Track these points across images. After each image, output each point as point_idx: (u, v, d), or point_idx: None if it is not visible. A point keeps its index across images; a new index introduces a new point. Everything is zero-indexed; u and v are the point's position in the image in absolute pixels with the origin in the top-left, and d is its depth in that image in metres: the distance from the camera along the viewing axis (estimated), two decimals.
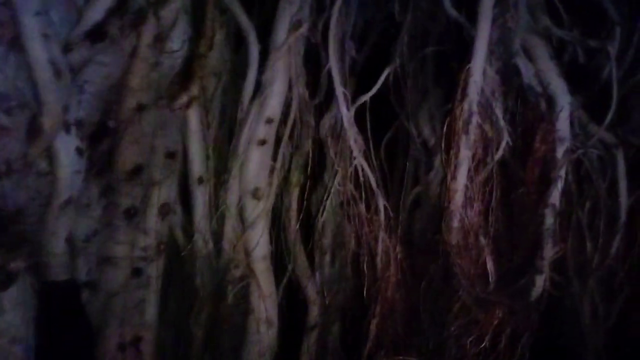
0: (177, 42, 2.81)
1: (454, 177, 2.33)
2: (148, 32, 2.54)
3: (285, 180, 3.26)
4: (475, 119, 2.30)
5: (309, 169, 3.12)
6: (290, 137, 3.12)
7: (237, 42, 3.27)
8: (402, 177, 3.21)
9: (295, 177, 3.24)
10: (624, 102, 2.76)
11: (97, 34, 2.33)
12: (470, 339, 2.39)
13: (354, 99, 2.88)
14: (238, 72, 3.25)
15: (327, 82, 3.20)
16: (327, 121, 3.04)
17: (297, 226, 3.16)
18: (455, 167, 2.33)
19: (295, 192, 3.25)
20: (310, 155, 3.14)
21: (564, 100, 2.32)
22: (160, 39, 2.62)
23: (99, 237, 2.77)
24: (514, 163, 2.42)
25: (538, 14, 2.34)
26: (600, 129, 2.36)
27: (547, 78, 2.35)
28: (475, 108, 2.30)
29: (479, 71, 2.31)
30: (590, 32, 2.48)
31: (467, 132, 2.30)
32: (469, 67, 2.30)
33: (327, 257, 3.39)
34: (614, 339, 2.68)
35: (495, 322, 2.36)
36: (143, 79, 2.70)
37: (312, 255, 3.36)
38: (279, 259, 3.33)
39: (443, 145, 2.34)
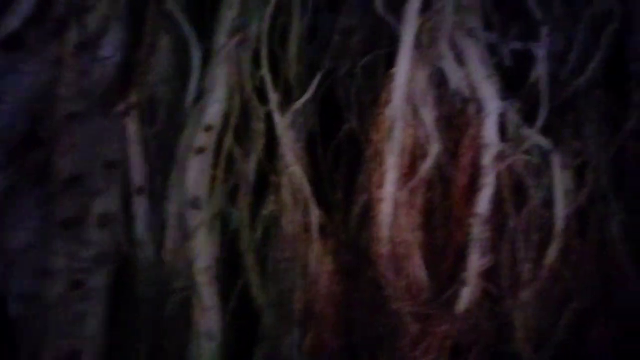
0: (109, 49, 2.79)
1: (380, 186, 2.27)
2: (72, 40, 2.51)
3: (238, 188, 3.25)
4: (400, 126, 2.23)
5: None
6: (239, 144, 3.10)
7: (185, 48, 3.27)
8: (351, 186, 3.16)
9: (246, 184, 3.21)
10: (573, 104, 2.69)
11: (13, 43, 2.31)
12: (406, 353, 2.32)
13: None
14: (185, 79, 3.25)
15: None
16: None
17: (249, 235, 3.13)
18: (382, 175, 2.26)
19: (245, 200, 3.21)
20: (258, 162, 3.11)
21: (492, 104, 2.24)
22: (87, 47, 2.59)
23: (35, 249, 2.76)
24: (445, 171, 2.35)
25: (465, 15, 2.26)
26: (532, 133, 2.27)
27: (476, 82, 2.28)
28: (399, 114, 2.23)
29: (404, 75, 2.25)
30: (529, 34, 2.40)
31: (391, 139, 2.24)
32: (392, 72, 2.24)
33: (282, 266, 3.35)
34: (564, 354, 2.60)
35: (432, 336, 2.28)
36: (72, 88, 2.67)
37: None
38: (233, 269, 3.32)
39: (370, 152, 2.28)
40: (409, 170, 2.29)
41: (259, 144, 3.00)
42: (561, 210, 2.31)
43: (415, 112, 2.28)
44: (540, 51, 2.20)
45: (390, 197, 2.24)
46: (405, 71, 2.22)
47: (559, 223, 2.31)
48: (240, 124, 3.10)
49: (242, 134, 3.16)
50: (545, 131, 2.49)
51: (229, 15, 2.93)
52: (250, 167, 3.10)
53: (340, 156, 3.18)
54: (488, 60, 2.27)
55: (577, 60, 2.63)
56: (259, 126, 2.94)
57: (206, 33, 3.12)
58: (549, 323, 2.57)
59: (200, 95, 3.02)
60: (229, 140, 2.98)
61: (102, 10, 2.60)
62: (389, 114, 2.21)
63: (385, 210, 2.26)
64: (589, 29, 2.62)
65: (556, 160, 2.35)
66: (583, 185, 2.48)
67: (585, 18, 2.48)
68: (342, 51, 3.02)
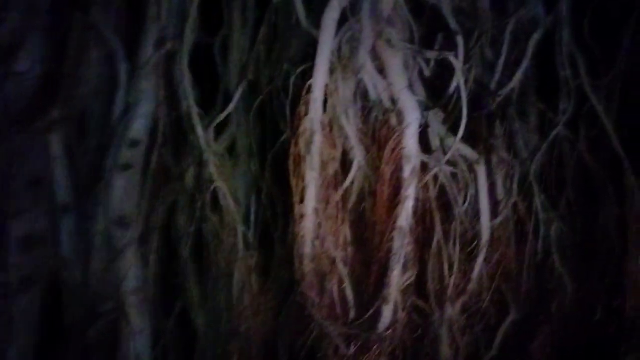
0: (26, 63, 2.69)
1: (301, 201, 2.20)
2: None
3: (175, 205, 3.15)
4: (319, 139, 2.17)
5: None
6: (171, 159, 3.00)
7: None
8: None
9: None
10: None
11: None
12: None
13: None
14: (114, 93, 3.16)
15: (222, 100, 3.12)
16: None
17: (187, 253, 3.03)
18: (302, 190, 2.20)
19: (182, 217, 3.12)
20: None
21: (412, 115, 2.20)
22: None
23: None
24: (369, 184, 2.29)
25: (385, 26, 2.21)
26: (457, 143, 2.22)
27: (397, 92, 2.23)
28: (317, 127, 2.18)
29: (320, 87, 2.18)
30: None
31: (310, 153, 2.18)
32: (309, 84, 2.19)
33: (217, 286, 3.26)
34: None
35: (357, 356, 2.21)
36: None
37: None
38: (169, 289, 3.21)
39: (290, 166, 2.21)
40: (332, 184, 2.23)
41: (192, 158, 2.94)
42: (487, 221, 2.27)
43: (337, 124, 2.23)
44: (458, 61, 2.16)
45: (312, 213, 2.18)
46: (322, 83, 2.17)
47: (486, 234, 2.27)
48: (170, 138, 3.05)
49: (174, 148, 3.11)
50: (472, 141, 2.46)
51: (154, 28, 2.87)
52: (184, 183, 3.04)
53: (278, 169, 3.14)
54: (409, 71, 2.23)
55: (505, 68, 2.61)
56: (192, 140, 2.89)
57: (135, 46, 3.07)
58: (485, 337, 2.53)
59: (127, 109, 2.95)
60: (157, 155, 2.91)
61: (15, 22, 2.51)
62: (307, 126, 2.15)
63: (307, 226, 2.19)
64: (516, 37, 2.61)
65: (482, 171, 2.31)
66: (514, 194, 2.45)
67: (511, 26, 2.46)
68: (276, 62, 2.99)
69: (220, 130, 3.08)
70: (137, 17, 3.01)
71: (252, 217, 2.83)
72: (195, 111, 2.55)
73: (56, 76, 2.90)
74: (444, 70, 2.44)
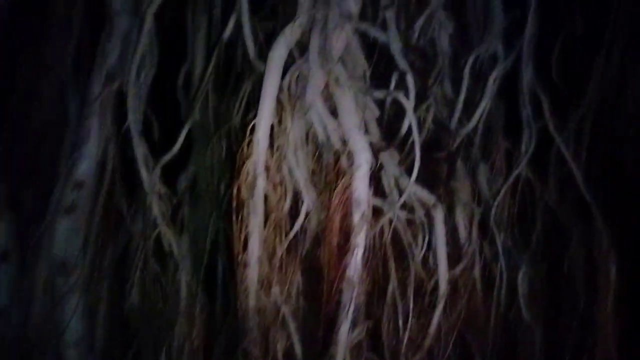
0: None
1: (244, 250, 2.05)
2: None
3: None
4: (262, 183, 2.04)
5: None
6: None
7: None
8: None
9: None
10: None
11: None
12: None
13: None
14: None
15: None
16: None
17: (135, 301, 2.84)
18: (246, 237, 2.05)
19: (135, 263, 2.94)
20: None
21: (362, 157, 2.07)
22: None
23: None
24: (319, 231, 2.16)
25: (332, 64, 2.11)
26: (408, 186, 2.09)
27: (347, 132, 2.12)
28: (260, 170, 2.05)
29: (265, 128, 2.06)
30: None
31: (252, 197, 2.04)
32: (253, 124, 2.07)
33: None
34: None
35: None
36: None
37: None
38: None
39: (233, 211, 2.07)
40: (279, 230, 2.09)
41: (143, 200, 2.79)
42: (445, 270, 2.12)
43: (284, 167, 2.11)
44: (409, 101, 2.04)
45: (255, 262, 2.03)
46: (266, 123, 2.05)
47: (444, 284, 2.12)
48: (120, 179, 2.91)
49: (125, 190, 2.96)
50: (432, 183, 2.33)
51: (104, 64, 2.75)
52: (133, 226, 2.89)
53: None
54: (361, 111, 2.11)
55: (469, 107, 2.51)
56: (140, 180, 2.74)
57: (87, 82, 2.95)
58: None
59: (75, 148, 2.81)
60: (105, 197, 2.76)
61: None
62: (250, 169, 2.02)
63: (250, 276, 2.04)
64: (479, 75, 2.52)
65: (439, 215, 2.18)
66: (473, 240, 2.32)
67: (470, 64, 2.37)
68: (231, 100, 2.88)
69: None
70: (91, 52, 2.94)
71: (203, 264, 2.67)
72: (140, 152, 2.42)
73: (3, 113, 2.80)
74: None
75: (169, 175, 3.09)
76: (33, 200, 2.85)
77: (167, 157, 2.44)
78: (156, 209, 2.37)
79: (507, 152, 2.72)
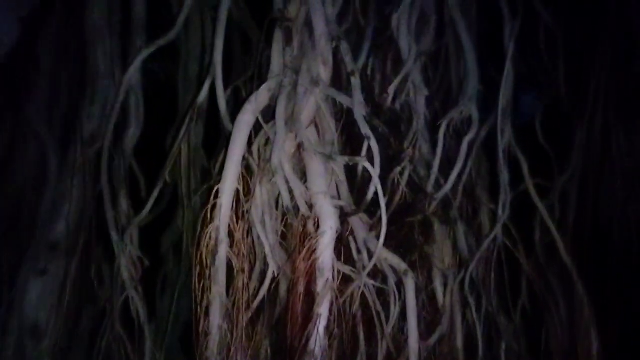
0: None
1: (204, 318, 1.98)
2: None
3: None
4: (224, 250, 1.99)
5: None
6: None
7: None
8: None
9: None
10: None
11: None
12: None
13: None
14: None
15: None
16: None
17: None
18: (207, 306, 1.99)
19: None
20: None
21: (328, 222, 2.02)
22: None
23: None
24: (284, 299, 2.08)
25: (298, 128, 2.09)
26: (376, 253, 2.01)
27: (313, 197, 2.07)
28: (223, 236, 2.00)
29: (229, 193, 2.02)
30: None
31: (214, 265, 1.99)
32: (217, 189, 2.03)
33: None
34: None
35: None
36: None
37: None
38: None
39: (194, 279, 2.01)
40: (240, 298, 2.02)
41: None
42: (415, 341, 2.01)
43: (248, 231, 2.06)
44: (374, 168, 1.99)
45: (217, 331, 1.96)
46: (230, 188, 2.01)
47: (414, 356, 2.01)
48: (96, 241, 2.87)
49: (102, 253, 2.92)
50: (406, 248, 2.26)
51: (85, 125, 2.77)
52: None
53: None
54: (327, 176, 2.08)
55: (447, 168, 2.46)
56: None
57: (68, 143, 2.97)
58: None
59: (52, 209, 2.80)
60: (79, 260, 2.72)
61: None
62: (212, 235, 1.98)
63: (211, 346, 1.96)
64: (456, 136, 2.48)
65: (410, 283, 2.10)
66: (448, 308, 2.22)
67: (444, 126, 2.34)
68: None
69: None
70: (73, 113, 2.97)
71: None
72: (110, 216, 2.40)
73: None
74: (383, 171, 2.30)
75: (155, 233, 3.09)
76: (9, 262, 2.84)
77: (139, 219, 2.40)
78: (125, 273, 2.32)
79: (493, 214, 2.66)
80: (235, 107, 2.67)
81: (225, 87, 2.60)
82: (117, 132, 2.72)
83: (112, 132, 2.47)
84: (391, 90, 2.36)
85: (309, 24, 2.27)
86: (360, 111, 2.03)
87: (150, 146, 3.04)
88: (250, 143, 2.23)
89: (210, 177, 2.80)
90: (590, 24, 2.83)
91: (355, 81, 2.09)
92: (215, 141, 2.95)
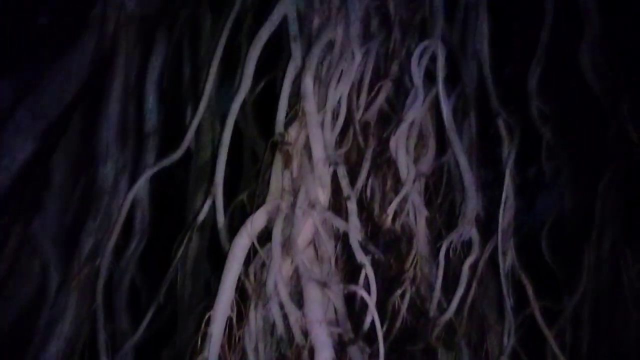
0: None
1: None
2: None
3: None
4: None
5: None
6: None
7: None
8: None
9: None
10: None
11: None
12: None
13: None
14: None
15: None
16: None
17: None
18: None
19: None
20: None
21: (323, 354, 1.92)
22: None
23: None
24: None
25: (294, 253, 2.05)
26: None
27: (309, 325, 1.99)
28: None
29: (220, 321, 1.96)
30: None
31: None
32: (208, 315, 1.97)
33: None
34: None
35: None
36: None
37: None
38: None
39: None
40: None
41: None
42: None
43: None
44: (370, 297, 1.91)
45: None
46: (222, 316, 1.94)
47: None
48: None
49: None
50: None
51: (86, 241, 2.77)
52: None
53: None
54: (324, 303, 2.00)
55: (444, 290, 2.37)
56: None
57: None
58: None
59: (48, 327, 2.73)
60: None
61: None
62: None
63: None
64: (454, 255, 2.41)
65: None
66: None
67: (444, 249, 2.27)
68: None
69: None
70: (79, 229, 2.98)
71: None
72: (101, 338, 2.33)
73: None
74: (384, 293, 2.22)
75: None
76: None
77: (134, 339, 2.32)
78: None
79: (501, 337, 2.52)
80: (240, 219, 2.69)
81: (230, 200, 2.63)
82: (119, 246, 2.72)
83: (112, 249, 2.45)
84: (390, 211, 2.34)
85: (308, 147, 2.30)
86: (355, 237, 2.00)
87: (157, 254, 3.03)
88: (248, 262, 2.20)
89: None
90: (593, 147, 2.81)
91: (351, 206, 2.07)
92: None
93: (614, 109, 2.78)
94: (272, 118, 2.51)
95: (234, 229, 2.50)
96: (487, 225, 2.50)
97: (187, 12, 3.22)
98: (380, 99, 2.52)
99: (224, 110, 3.21)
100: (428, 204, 2.54)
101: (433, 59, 2.53)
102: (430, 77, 2.60)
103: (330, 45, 2.37)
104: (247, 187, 2.86)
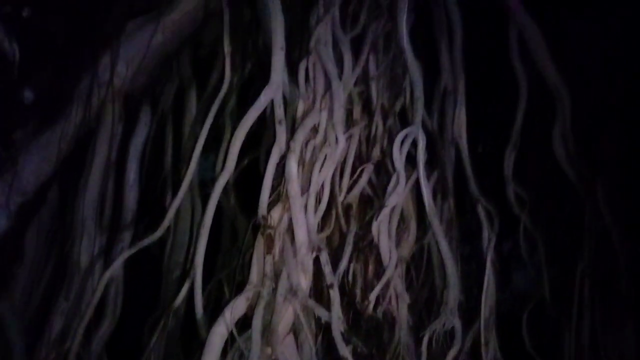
0: None
1: None
2: None
3: None
4: None
5: None
6: None
7: None
8: None
9: None
10: None
11: None
12: None
13: None
14: None
15: None
16: None
17: None
18: None
19: None
20: None
21: None
22: None
23: None
24: None
25: (276, 342, 1.97)
26: None
27: None
28: None
29: None
30: None
31: None
32: None
33: None
34: None
35: None
36: None
37: None
38: None
39: None
40: None
41: None
42: None
43: None
44: None
45: None
46: None
47: None
48: None
49: None
50: None
51: (56, 323, 2.62)
52: None
53: None
54: None
55: None
56: None
57: None
58: None
59: None
60: None
61: None
62: None
63: None
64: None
65: None
66: None
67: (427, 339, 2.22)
68: None
69: None
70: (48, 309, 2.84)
71: None
72: None
73: None
74: None
75: None
76: None
77: None
78: None
79: None
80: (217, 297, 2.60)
81: (207, 278, 2.55)
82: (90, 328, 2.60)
83: (82, 332, 2.33)
84: (372, 297, 2.29)
85: (290, 231, 2.26)
86: (337, 328, 1.94)
87: (127, 336, 2.90)
88: (225, 352, 2.10)
89: None
90: (569, 229, 2.83)
91: (334, 295, 2.02)
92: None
93: (588, 193, 2.82)
94: (252, 192, 2.48)
95: (209, 308, 2.43)
96: (467, 303, 2.46)
97: (172, 87, 3.24)
98: (363, 181, 2.53)
99: (203, 182, 3.18)
100: (409, 287, 2.51)
101: (413, 143, 2.56)
102: (410, 159, 2.62)
103: (314, 129, 2.38)
104: (225, 265, 2.79)
